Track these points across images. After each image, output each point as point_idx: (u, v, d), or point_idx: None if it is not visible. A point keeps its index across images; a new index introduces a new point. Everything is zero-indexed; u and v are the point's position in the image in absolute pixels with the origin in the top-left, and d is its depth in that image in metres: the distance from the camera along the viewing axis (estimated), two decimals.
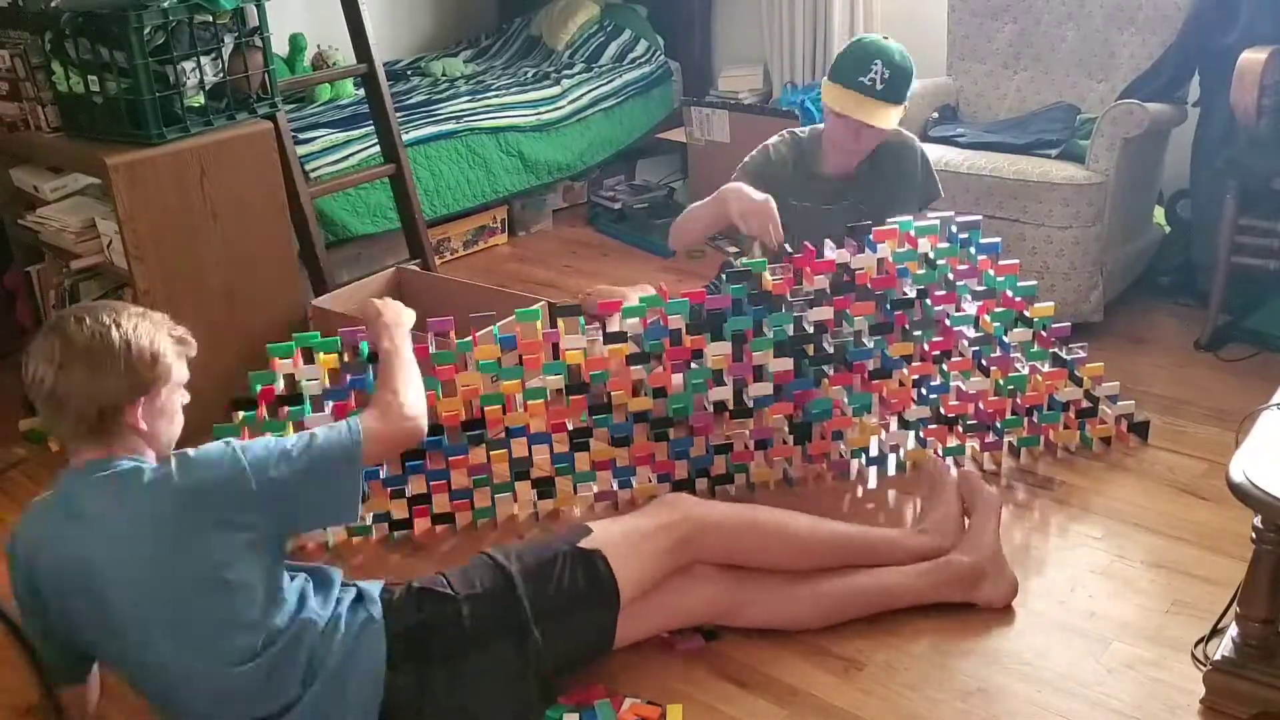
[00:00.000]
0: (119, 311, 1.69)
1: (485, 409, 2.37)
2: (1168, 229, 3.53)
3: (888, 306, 2.46)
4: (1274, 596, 1.78)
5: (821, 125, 2.74)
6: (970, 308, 2.50)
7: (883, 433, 2.56)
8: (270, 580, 1.70)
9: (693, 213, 2.70)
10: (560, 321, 2.36)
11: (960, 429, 2.57)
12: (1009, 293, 2.51)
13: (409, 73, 4.61)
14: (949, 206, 2.74)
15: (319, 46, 4.28)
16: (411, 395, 1.94)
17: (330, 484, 1.74)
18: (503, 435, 2.41)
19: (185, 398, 1.78)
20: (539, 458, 2.44)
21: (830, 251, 2.40)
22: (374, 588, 1.84)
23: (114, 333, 1.64)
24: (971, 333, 2.50)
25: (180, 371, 1.74)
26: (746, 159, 2.75)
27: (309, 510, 1.77)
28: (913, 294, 2.45)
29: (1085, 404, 2.59)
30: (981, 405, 2.54)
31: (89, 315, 1.66)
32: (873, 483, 2.54)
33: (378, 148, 3.53)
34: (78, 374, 1.62)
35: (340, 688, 1.71)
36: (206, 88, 2.74)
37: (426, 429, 1.94)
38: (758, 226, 2.43)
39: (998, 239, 2.52)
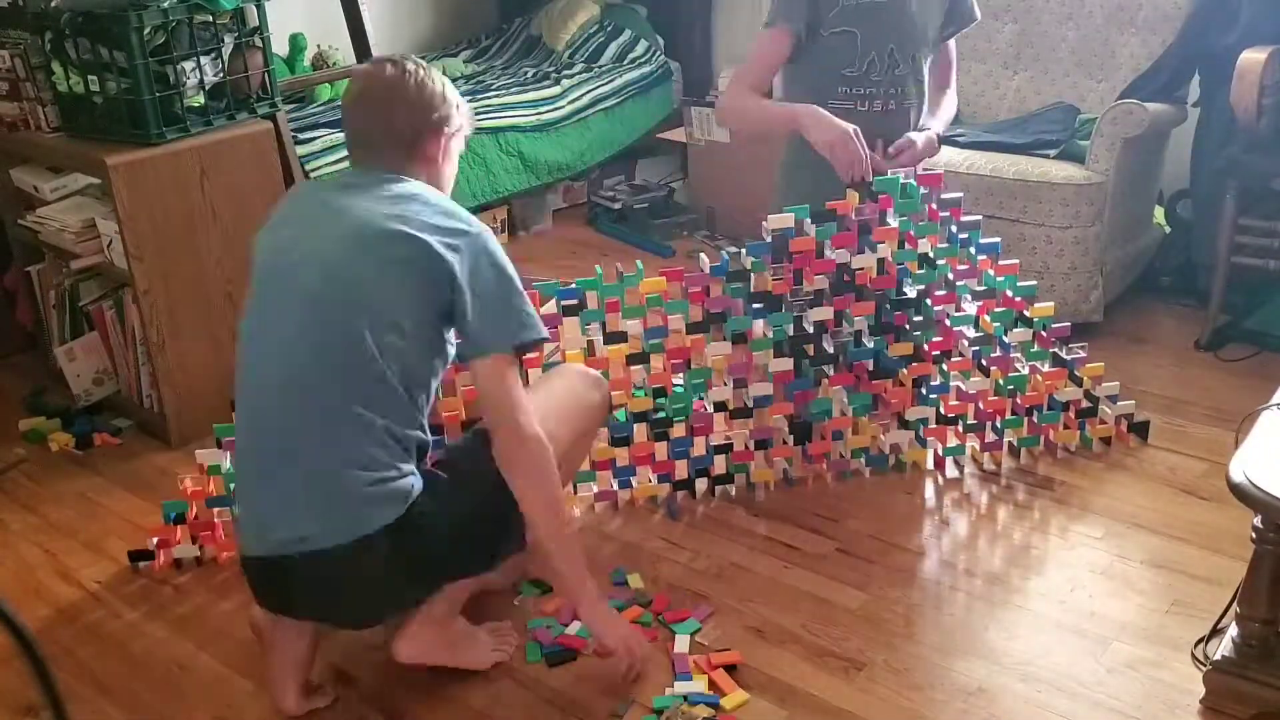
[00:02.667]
0: (421, 64, 1.92)
1: None
2: (1168, 229, 3.53)
3: (888, 306, 2.46)
4: (1274, 596, 1.78)
5: None
6: (970, 308, 2.50)
7: (883, 433, 2.56)
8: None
9: (760, 109, 2.59)
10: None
11: (960, 429, 2.57)
12: (1009, 293, 2.51)
13: None
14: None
15: (319, 46, 4.28)
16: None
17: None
18: None
19: (462, 147, 2.00)
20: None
21: (830, 252, 2.41)
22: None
23: (435, 73, 1.91)
24: (971, 333, 2.50)
25: (462, 119, 1.96)
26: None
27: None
28: (913, 294, 2.46)
29: (1085, 404, 2.59)
30: (981, 405, 2.54)
31: (406, 61, 1.90)
32: (873, 483, 2.54)
33: None
34: (410, 93, 1.86)
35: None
36: (206, 88, 2.74)
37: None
38: (844, 159, 2.38)
39: (998, 239, 2.52)
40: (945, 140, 3.33)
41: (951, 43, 2.72)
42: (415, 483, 1.81)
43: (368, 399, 1.77)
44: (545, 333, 1.88)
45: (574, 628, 2.07)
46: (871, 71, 2.54)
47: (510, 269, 1.86)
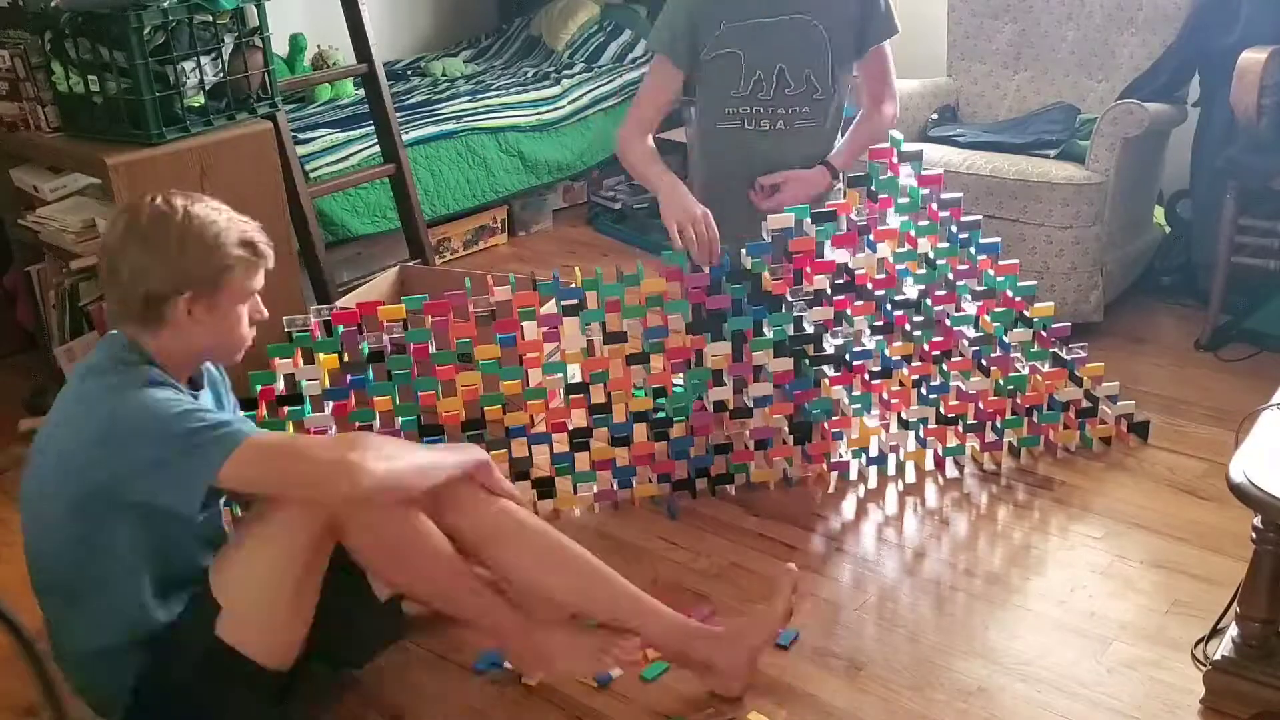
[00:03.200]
0: (195, 200, 1.67)
1: (485, 409, 2.37)
2: (1168, 229, 3.53)
3: (888, 306, 2.46)
4: (1274, 596, 1.78)
5: None
6: (970, 308, 2.50)
7: (883, 433, 2.56)
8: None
9: (638, 162, 2.54)
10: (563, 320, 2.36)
11: (960, 429, 2.57)
12: (1009, 293, 2.51)
13: (409, 73, 4.61)
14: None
15: (319, 46, 4.28)
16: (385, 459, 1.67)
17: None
18: (503, 435, 2.41)
19: (257, 314, 1.76)
20: (539, 458, 2.45)
21: (830, 252, 2.41)
22: None
23: (177, 218, 1.64)
24: (971, 333, 2.50)
25: (246, 280, 1.70)
26: (659, 20, 2.54)
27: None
28: (913, 294, 2.46)
29: (1085, 404, 2.59)
30: (981, 405, 2.54)
31: (163, 197, 1.66)
32: (873, 482, 2.54)
33: (378, 148, 3.53)
34: (132, 252, 1.63)
35: None
36: (206, 88, 2.74)
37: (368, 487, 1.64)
38: (691, 243, 2.32)
39: (998, 239, 2.52)
40: (945, 141, 3.34)
41: (885, 52, 2.57)
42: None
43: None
44: (228, 432, 1.61)
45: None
46: (758, 92, 2.48)
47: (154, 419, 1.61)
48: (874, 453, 2.57)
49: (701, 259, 2.33)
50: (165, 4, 2.60)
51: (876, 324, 2.47)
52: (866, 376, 2.49)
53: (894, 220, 2.44)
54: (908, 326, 2.48)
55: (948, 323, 2.48)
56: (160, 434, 1.59)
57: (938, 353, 2.50)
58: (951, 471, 2.56)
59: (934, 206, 2.43)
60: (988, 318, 2.53)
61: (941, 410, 2.54)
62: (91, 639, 1.72)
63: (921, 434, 2.56)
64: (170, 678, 1.70)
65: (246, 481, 1.63)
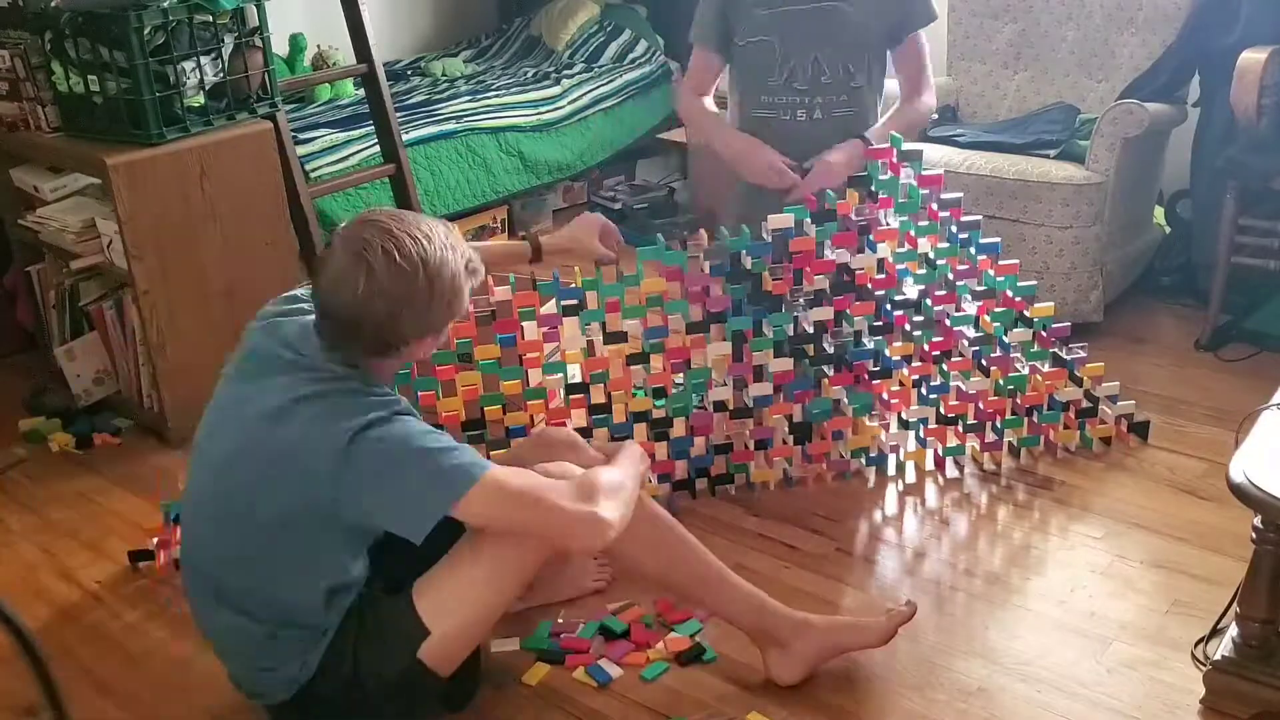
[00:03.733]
0: (420, 239, 1.62)
1: (485, 409, 2.37)
2: (1168, 229, 3.53)
3: (888, 307, 2.46)
4: (1274, 596, 1.78)
5: None
6: (970, 308, 2.50)
7: (883, 433, 2.56)
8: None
9: (708, 125, 2.66)
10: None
11: (960, 429, 2.57)
12: (1009, 293, 2.51)
13: (409, 73, 4.61)
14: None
15: (319, 46, 4.28)
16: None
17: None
18: (503, 435, 2.41)
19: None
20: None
21: (830, 252, 2.41)
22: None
23: (420, 275, 1.61)
24: (971, 333, 2.50)
25: (465, 305, 1.73)
26: (696, 12, 2.62)
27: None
28: (913, 294, 2.46)
29: (1085, 404, 2.59)
30: (981, 405, 2.54)
31: (393, 242, 1.60)
32: (873, 482, 2.54)
33: (378, 148, 3.53)
34: (375, 307, 1.60)
35: None
36: (206, 88, 2.74)
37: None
38: (752, 171, 2.42)
39: (998, 239, 2.52)
40: (945, 141, 3.34)
41: (921, 41, 2.60)
42: (299, 674, 1.73)
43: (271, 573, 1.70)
44: (471, 469, 1.62)
45: (577, 630, 2.07)
46: (794, 80, 2.49)
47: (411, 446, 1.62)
48: (874, 453, 2.57)
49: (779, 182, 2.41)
50: (165, 4, 2.60)
51: (876, 324, 2.47)
52: (866, 376, 2.49)
53: (894, 220, 2.44)
54: (908, 326, 2.48)
55: (948, 323, 2.48)
56: (405, 464, 1.60)
57: (938, 353, 2.50)
58: (951, 471, 2.56)
59: (934, 206, 2.43)
60: (988, 318, 2.52)
61: (941, 410, 2.54)
62: (255, 625, 1.72)
63: (921, 434, 2.56)
64: (354, 685, 1.72)
65: (483, 518, 1.65)
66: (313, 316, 1.72)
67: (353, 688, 1.73)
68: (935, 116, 3.51)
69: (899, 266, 2.46)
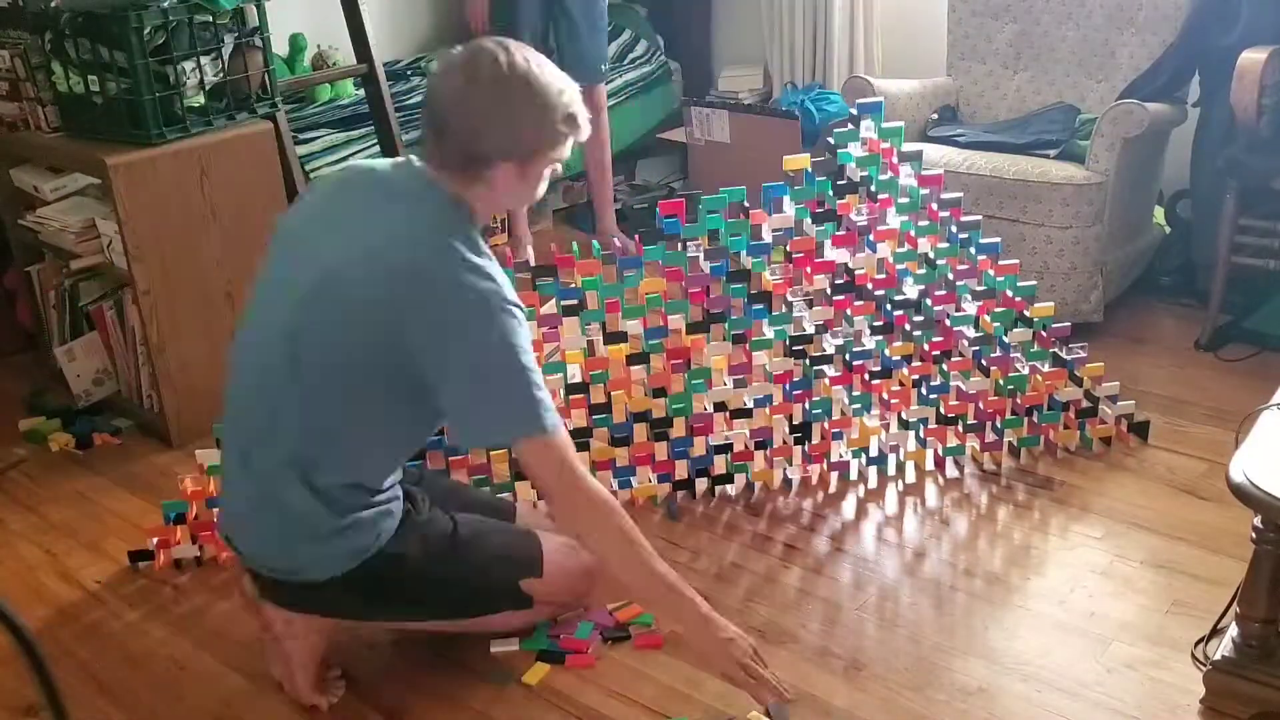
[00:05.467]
0: (531, 61, 1.65)
1: None
2: (1168, 229, 3.53)
3: (888, 306, 2.46)
4: (1274, 596, 1.78)
5: None
6: (970, 308, 2.50)
7: (883, 433, 2.56)
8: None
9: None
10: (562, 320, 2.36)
11: (960, 429, 2.57)
12: (1009, 293, 2.51)
13: (409, 73, 4.60)
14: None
15: (319, 46, 4.27)
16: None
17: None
18: None
19: (555, 170, 1.76)
20: None
21: (831, 252, 2.41)
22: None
23: (517, 84, 1.63)
24: (971, 333, 2.50)
25: (563, 149, 1.71)
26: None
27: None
28: (913, 294, 2.46)
29: (1085, 404, 2.59)
30: (981, 405, 2.54)
31: (505, 54, 1.63)
32: (873, 482, 2.54)
33: (378, 148, 3.53)
34: (467, 108, 1.62)
35: None
36: (206, 88, 2.74)
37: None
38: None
39: (998, 239, 2.52)
40: (945, 140, 3.35)
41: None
42: (368, 540, 1.78)
43: (326, 435, 1.72)
44: (547, 419, 1.68)
45: (576, 630, 2.07)
46: None
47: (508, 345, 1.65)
48: (874, 453, 2.57)
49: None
50: (165, 4, 2.60)
51: (876, 324, 2.47)
52: (866, 376, 2.49)
53: (894, 220, 2.44)
54: (908, 326, 2.48)
55: (948, 323, 2.48)
56: (496, 372, 1.63)
57: (938, 353, 2.50)
58: (951, 471, 2.56)
59: (934, 206, 2.44)
60: (988, 318, 2.53)
61: (941, 410, 2.54)
62: (336, 491, 1.75)
63: (921, 434, 2.56)
64: (436, 581, 1.87)
65: (531, 468, 1.71)
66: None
67: (429, 573, 1.84)
68: (935, 116, 3.53)
69: (899, 266, 2.46)
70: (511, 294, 1.69)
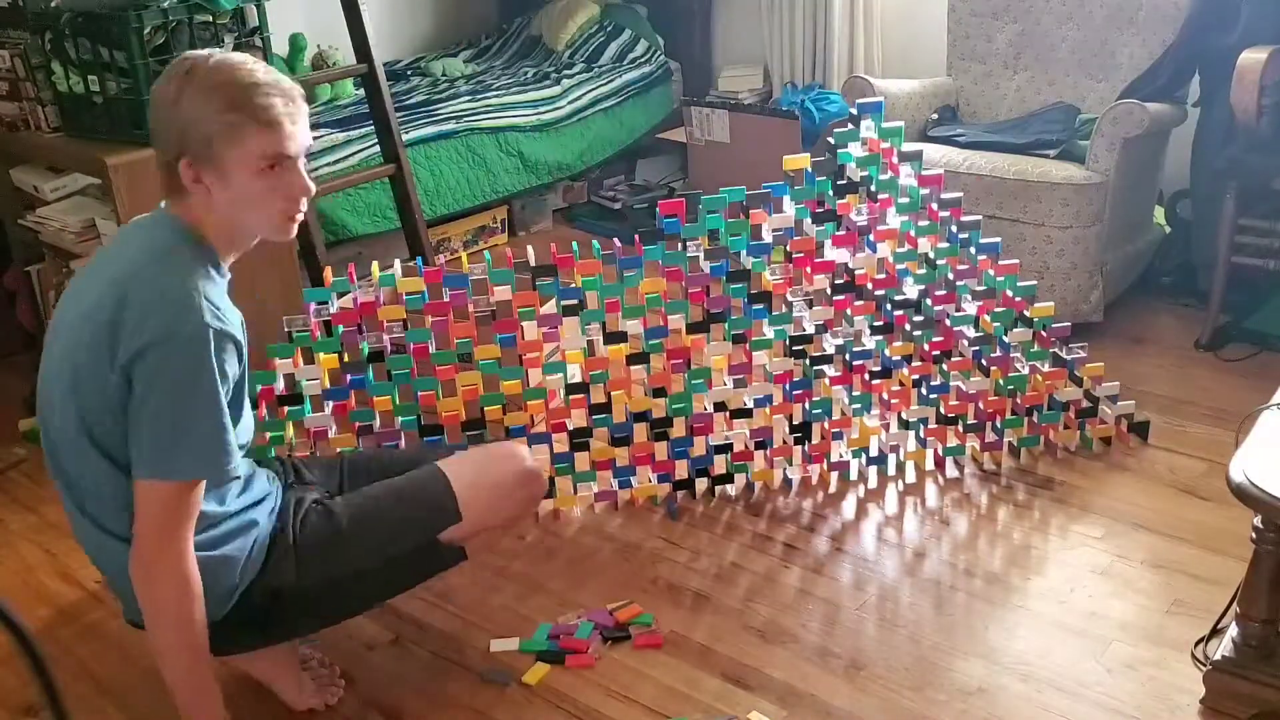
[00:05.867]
0: (215, 62, 1.54)
1: (485, 409, 2.37)
2: (1168, 229, 3.53)
3: (888, 306, 2.46)
4: (1274, 596, 1.78)
5: None
6: (970, 308, 2.50)
7: (883, 433, 2.56)
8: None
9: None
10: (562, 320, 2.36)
11: (960, 429, 2.57)
12: (1009, 293, 2.51)
13: (409, 73, 4.61)
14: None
15: (319, 46, 4.28)
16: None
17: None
18: (503, 435, 2.41)
19: (295, 188, 1.58)
20: (539, 457, 2.44)
21: (831, 252, 2.41)
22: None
23: (178, 75, 1.53)
24: (971, 333, 2.50)
25: (255, 140, 1.53)
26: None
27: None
28: (913, 294, 2.46)
29: (1085, 404, 2.59)
30: (981, 405, 2.54)
31: (190, 57, 1.54)
32: (873, 482, 2.54)
33: (378, 148, 3.53)
34: (151, 111, 1.58)
35: None
36: None
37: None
38: None
39: (998, 239, 2.52)
40: (945, 140, 3.34)
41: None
42: (240, 573, 1.70)
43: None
44: (212, 469, 1.56)
45: (576, 630, 2.07)
46: None
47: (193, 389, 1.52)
48: (874, 453, 2.57)
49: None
50: (165, 4, 2.60)
51: (876, 324, 2.47)
52: (866, 376, 2.49)
53: (894, 220, 2.44)
54: (908, 326, 2.48)
55: (948, 323, 2.48)
56: (179, 399, 1.51)
57: (938, 353, 2.50)
58: (951, 471, 2.56)
59: (934, 206, 2.44)
60: (988, 318, 2.53)
61: (941, 410, 2.54)
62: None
63: (921, 434, 2.56)
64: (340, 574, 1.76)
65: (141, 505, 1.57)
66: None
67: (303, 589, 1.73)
68: (935, 116, 3.53)
69: (899, 266, 2.46)
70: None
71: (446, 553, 1.84)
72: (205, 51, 1.59)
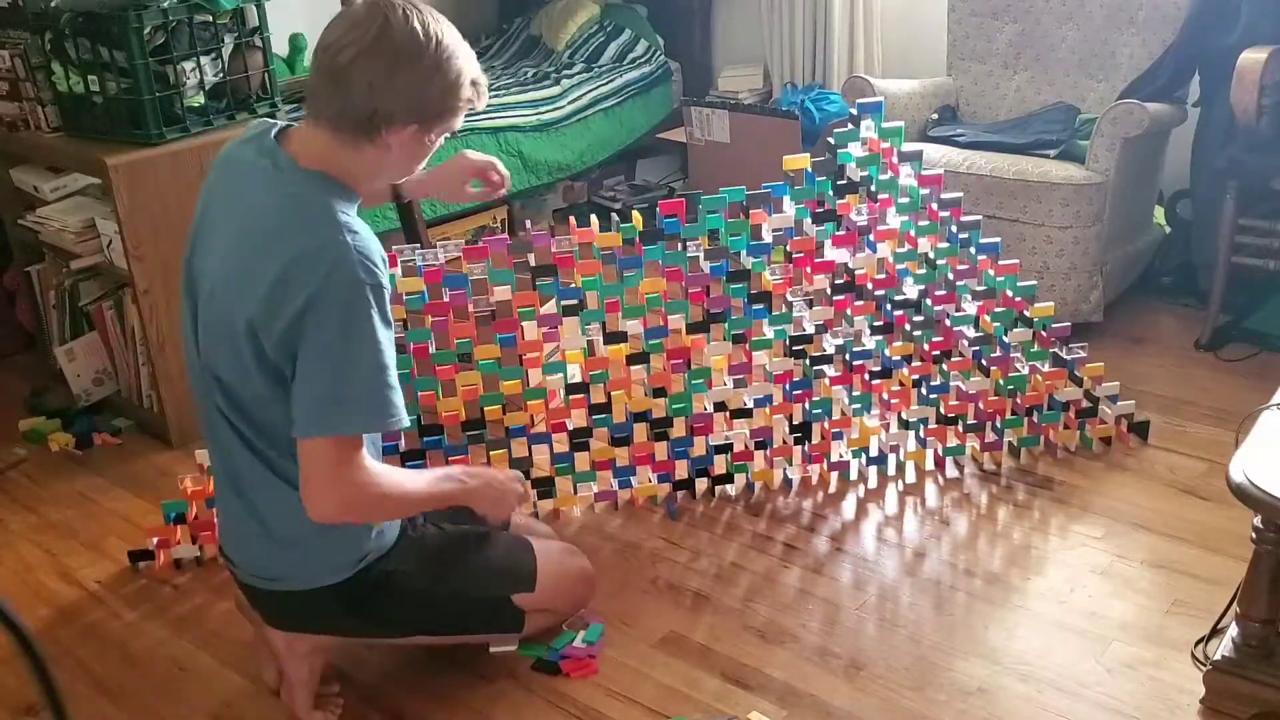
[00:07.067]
0: (442, 23, 1.59)
1: (485, 409, 2.37)
2: (1168, 229, 3.53)
3: (888, 306, 2.46)
4: (1274, 596, 1.78)
5: None
6: (970, 308, 2.50)
7: (883, 433, 2.56)
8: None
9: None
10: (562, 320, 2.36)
11: (960, 429, 2.57)
12: (1009, 293, 2.51)
13: None
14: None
15: None
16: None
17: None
18: (503, 435, 2.41)
19: (438, 144, 1.67)
20: (539, 458, 2.44)
21: (831, 252, 2.41)
22: None
23: (431, 47, 1.55)
24: (971, 333, 2.50)
25: (458, 119, 1.64)
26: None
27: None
28: (913, 294, 2.46)
29: (1085, 404, 2.59)
30: (981, 405, 2.54)
31: (417, 15, 1.56)
32: (873, 482, 2.54)
33: None
34: (375, 65, 1.53)
35: None
36: (206, 88, 2.74)
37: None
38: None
39: (998, 239, 2.52)
40: (945, 140, 3.35)
41: None
42: (354, 551, 1.76)
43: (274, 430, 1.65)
44: (381, 421, 1.60)
45: (579, 640, 2.07)
46: None
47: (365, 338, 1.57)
48: (874, 453, 2.57)
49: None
50: (165, 4, 2.60)
51: (876, 324, 2.47)
52: (866, 376, 2.49)
53: (894, 220, 2.44)
54: (908, 326, 2.48)
55: (948, 323, 2.48)
56: (351, 369, 1.56)
57: (938, 353, 2.50)
58: (951, 471, 2.56)
59: (934, 206, 2.44)
60: (988, 318, 2.53)
61: (941, 410, 2.54)
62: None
63: (921, 434, 2.56)
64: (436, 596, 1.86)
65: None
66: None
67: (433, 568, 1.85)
68: (935, 116, 3.53)
69: (899, 266, 2.46)
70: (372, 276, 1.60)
71: (512, 614, 1.95)
72: (425, 11, 1.60)
